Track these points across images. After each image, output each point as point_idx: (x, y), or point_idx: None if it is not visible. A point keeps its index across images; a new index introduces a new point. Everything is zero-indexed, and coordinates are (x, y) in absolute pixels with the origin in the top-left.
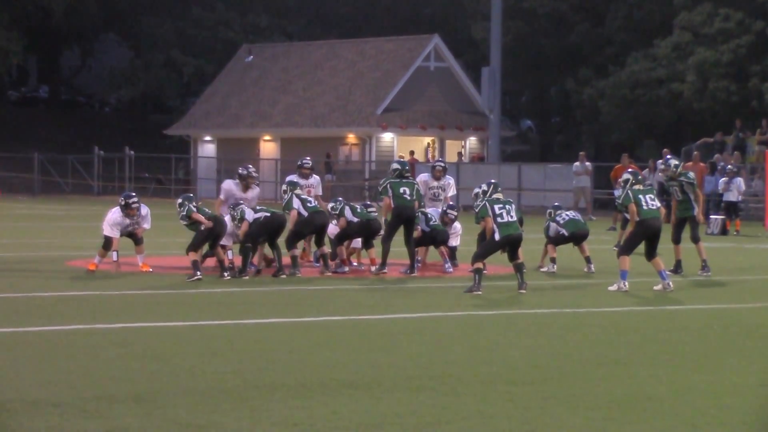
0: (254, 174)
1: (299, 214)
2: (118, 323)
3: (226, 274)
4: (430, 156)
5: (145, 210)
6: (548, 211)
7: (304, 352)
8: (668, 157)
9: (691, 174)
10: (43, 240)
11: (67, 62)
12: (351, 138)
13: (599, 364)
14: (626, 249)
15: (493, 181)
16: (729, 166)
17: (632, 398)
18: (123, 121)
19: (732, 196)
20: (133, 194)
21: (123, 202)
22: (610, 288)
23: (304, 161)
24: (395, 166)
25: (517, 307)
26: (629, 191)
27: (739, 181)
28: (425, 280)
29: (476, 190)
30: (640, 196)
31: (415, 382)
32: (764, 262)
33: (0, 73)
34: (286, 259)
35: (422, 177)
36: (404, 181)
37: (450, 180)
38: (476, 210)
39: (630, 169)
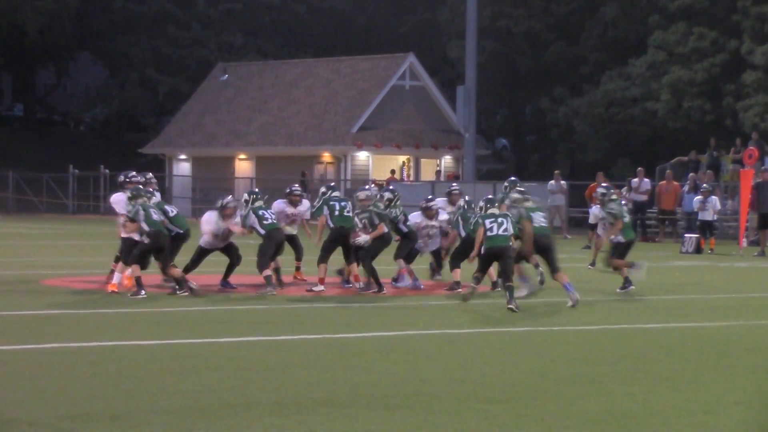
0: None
1: (256, 231)
2: (92, 342)
3: (178, 290)
4: (405, 175)
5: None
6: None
7: (279, 371)
8: (603, 184)
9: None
10: (18, 259)
11: (42, 81)
12: (326, 156)
13: (574, 383)
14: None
15: (489, 196)
16: (704, 185)
17: (607, 416)
18: (98, 139)
19: (707, 215)
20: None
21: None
22: (569, 304)
23: (293, 188)
24: (323, 189)
25: (493, 325)
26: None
27: (715, 200)
28: (400, 298)
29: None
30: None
31: (391, 400)
32: (738, 280)
33: None
34: (177, 277)
35: (439, 201)
36: (340, 197)
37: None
38: (471, 225)
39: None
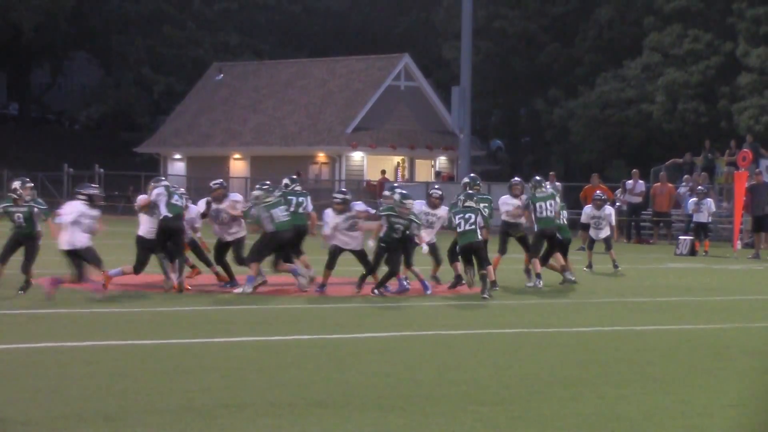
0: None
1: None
2: (86, 341)
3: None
4: (399, 176)
5: None
6: None
7: (273, 371)
8: (539, 178)
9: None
10: (12, 257)
11: (37, 80)
12: (321, 157)
13: (568, 384)
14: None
15: (467, 190)
16: (699, 187)
17: (601, 418)
18: (93, 138)
19: (702, 217)
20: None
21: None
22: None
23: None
24: (285, 181)
25: (487, 326)
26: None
27: (710, 202)
28: (394, 299)
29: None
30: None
31: (385, 401)
32: (732, 282)
33: None
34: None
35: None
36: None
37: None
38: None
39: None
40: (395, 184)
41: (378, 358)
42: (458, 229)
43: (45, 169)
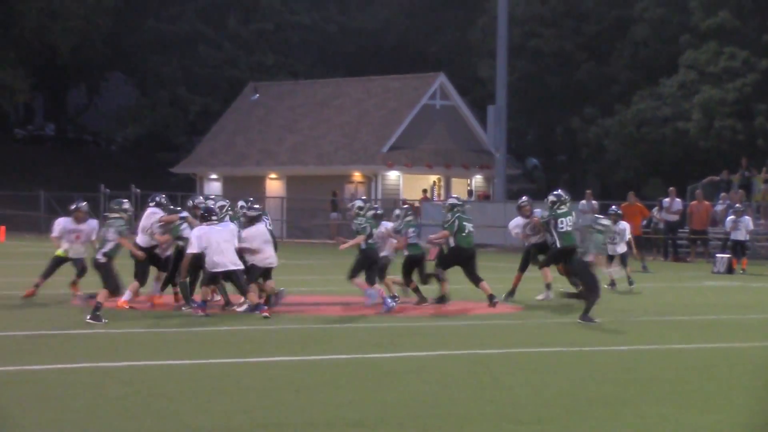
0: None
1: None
2: (123, 361)
3: None
4: (436, 195)
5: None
6: None
7: (310, 391)
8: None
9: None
10: (49, 278)
11: (73, 100)
12: (357, 176)
13: (606, 404)
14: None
15: (406, 206)
16: (737, 205)
17: None
18: (129, 159)
19: (740, 235)
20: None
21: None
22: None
23: (79, 205)
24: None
25: (523, 345)
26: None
27: (747, 220)
28: (430, 318)
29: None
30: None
31: (422, 420)
32: None
33: (7, 111)
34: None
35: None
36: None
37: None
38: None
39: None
40: (362, 197)
41: (414, 378)
42: (410, 241)
43: (81, 189)
